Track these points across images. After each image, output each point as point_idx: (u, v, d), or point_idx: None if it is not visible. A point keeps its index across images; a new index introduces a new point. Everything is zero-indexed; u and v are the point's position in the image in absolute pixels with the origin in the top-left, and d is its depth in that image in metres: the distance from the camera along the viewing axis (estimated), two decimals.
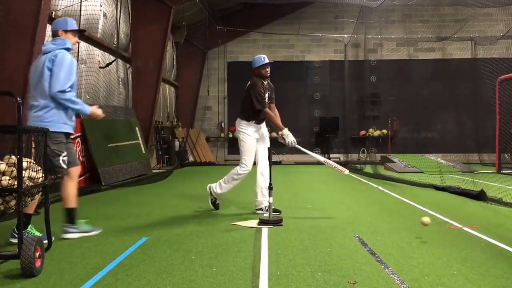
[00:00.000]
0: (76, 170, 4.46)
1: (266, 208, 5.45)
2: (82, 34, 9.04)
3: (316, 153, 18.18)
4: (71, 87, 4.21)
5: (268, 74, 5.78)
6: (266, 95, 5.77)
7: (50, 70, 4.16)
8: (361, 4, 14.91)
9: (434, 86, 17.52)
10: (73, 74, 4.24)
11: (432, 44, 17.57)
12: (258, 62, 5.74)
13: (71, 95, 4.20)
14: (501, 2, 12.70)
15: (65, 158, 4.27)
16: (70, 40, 4.36)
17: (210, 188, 5.91)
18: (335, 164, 5.73)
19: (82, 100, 4.40)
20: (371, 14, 14.86)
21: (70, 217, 4.37)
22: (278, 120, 5.84)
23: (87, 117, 4.37)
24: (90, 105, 4.62)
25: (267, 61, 5.74)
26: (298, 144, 5.91)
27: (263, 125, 5.92)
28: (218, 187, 5.85)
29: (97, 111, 4.55)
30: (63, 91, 4.14)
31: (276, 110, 5.98)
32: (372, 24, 16.12)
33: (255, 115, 5.73)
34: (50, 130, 4.05)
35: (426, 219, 4.29)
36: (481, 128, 16.22)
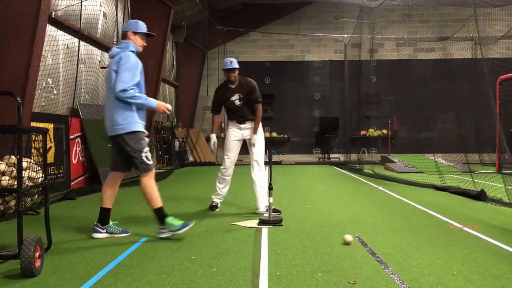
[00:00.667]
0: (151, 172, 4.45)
1: (266, 207, 5.48)
2: (82, 35, 9.05)
3: (316, 153, 18.28)
4: (136, 85, 4.25)
5: (232, 79, 5.83)
6: (235, 97, 5.85)
7: (116, 72, 4.25)
8: (361, 4, 14.90)
9: (434, 86, 17.51)
10: (137, 75, 4.28)
11: (432, 44, 17.56)
12: (223, 66, 5.84)
13: (133, 92, 4.22)
14: (502, 0, 12.69)
15: (148, 155, 4.32)
16: (138, 42, 4.48)
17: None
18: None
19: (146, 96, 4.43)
20: (371, 14, 14.84)
21: (158, 216, 4.35)
22: (256, 123, 5.92)
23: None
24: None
25: (233, 66, 5.73)
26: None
27: (247, 126, 5.96)
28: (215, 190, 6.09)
29: (165, 105, 4.53)
30: (125, 90, 4.18)
31: (258, 111, 5.93)
32: (372, 24, 16.10)
33: (232, 115, 5.98)
34: (127, 132, 4.21)
35: (348, 238, 4.12)
36: (481, 128, 16.21)
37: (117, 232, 4.48)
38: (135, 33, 4.48)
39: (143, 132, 4.38)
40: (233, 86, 5.88)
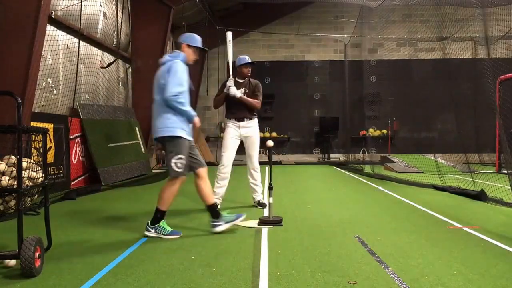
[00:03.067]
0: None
1: (259, 201, 6.09)
2: (82, 35, 9.05)
3: (316, 153, 18.29)
4: (182, 93, 4.38)
5: (249, 74, 6.09)
6: (239, 91, 6.00)
7: (165, 79, 4.36)
8: (361, 4, 14.90)
9: (434, 86, 17.50)
10: (183, 84, 4.40)
11: (432, 44, 17.55)
12: (241, 61, 6.05)
13: (179, 98, 4.34)
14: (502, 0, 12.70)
15: (178, 162, 4.34)
16: (190, 55, 4.64)
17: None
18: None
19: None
20: (371, 14, 14.84)
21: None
22: (247, 99, 6.04)
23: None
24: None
25: (251, 61, 6.02)
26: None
27: (246, 125, 6.07)
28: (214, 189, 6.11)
29: (198, 121, 4.63)
30: (173, 95, 4.29)
31: (256, 101, 6.10)
32: (372, 24, 16.11)
33: (232, 111, 6.12)
34: (172, 135, 4.30)
35: None
36: (481, 128, 16.21)
37: (232, 219, 4.64)
38: (189, 46, 4.63)
39: (185, 138, 4.41)
40: (241, 81, 6.07)
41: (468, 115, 17.12)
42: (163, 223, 4.46)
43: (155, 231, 4.41)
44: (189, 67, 4.71)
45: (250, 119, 6.08)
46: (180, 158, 4.34)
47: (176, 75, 4.36)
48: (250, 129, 6.09)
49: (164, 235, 4.41)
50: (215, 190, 6.03)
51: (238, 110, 6.05)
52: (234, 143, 6.07)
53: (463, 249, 3.89)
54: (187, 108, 4.44)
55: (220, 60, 17.76)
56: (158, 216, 4.43)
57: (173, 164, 4.34)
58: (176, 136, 4.35)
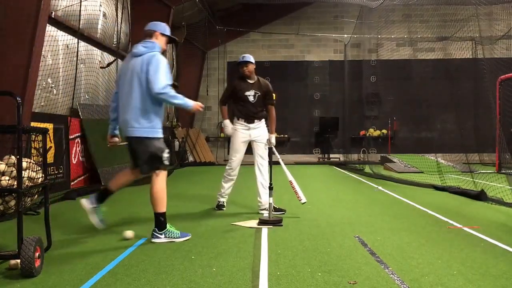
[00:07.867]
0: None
1: (266, 208, 5.57)
2: (82, 35, 9.04)
3: (316, 153, 18.30)
4: (170, 86, 4.20)
5: (246, 73, 5.86)
6: (250, 92, 5.85)
7: (146, 72, 4.12)
8: (361, 4, 14.91)
9: (434, 86, 17.50)
10: (169, 75, 4.22)
11: (432, 44, 17.55)
12: (238, 60, 5.95)
13: (173, 91, 4.17)
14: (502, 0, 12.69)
15: (167, 155, 4.35)
16: (163, 44, 4.43)
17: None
18: (297, 189, 5.66)
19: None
20: (371, 14, 14.84)
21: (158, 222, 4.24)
22: (272, 124, 5.97)
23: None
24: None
25: (245, 60, 5.85)
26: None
27: (255, 126, 5.90)
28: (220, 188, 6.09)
29: (199, 105, 4.42)
30: (165, 89, 4.10)
31: (273, 113, 5.99)
32: (372, 24, 16.11)
33: (242, 112, 5.91)
34: (154, 137, 4.27)
35: (128, 234, 4.05)
36: (481, 128, 16.22)
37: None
38: (163, 35, 4.43)
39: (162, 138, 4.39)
40: (250, 81, 5.89)
41: (468, 115, 17.13)
42: (170, 227, 4.25)
43: (165, 237, 4.19)
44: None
45: (259, 120, 5.91)
46: (167, 152, 4.33)
47: (161, 68, 4.12)
48: (261, 129, 5.94)
49: (176, 238, 4.20)
50: (222, 190, 6.02)
51: (249, 113, 5.86)
52: (244, 147, 5.92)
53: (463, 249, 3.89)
54: (181, 100, 4.25)
55: (220, 60, 17.76)
56: (162, 219, 4.19)
57: (166, 159, 4.29)
58: (158, 137, 4.31)
